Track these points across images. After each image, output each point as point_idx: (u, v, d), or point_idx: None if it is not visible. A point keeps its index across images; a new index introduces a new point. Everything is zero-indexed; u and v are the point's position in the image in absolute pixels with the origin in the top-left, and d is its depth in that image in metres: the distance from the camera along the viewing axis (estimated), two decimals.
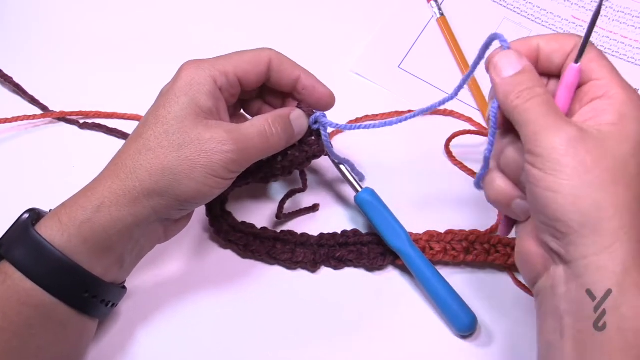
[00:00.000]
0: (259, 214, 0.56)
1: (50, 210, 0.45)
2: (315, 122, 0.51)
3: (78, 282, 0.43)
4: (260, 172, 0.52)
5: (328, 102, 0.51)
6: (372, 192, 0.54)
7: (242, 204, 0.56)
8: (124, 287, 0.48)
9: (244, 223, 0.54)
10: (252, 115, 0.53)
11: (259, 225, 0.55)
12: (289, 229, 0.55)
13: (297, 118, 0.50)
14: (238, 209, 0.55)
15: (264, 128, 0.47)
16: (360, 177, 0.57)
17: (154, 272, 0.53)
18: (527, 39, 0.44)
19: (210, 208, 0.53)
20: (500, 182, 0.43)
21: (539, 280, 0.41)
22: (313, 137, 0.52)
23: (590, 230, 0.37)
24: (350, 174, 0.54)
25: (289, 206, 0.56)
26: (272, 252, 0.53)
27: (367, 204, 0.53)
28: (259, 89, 0.52)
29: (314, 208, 0.57)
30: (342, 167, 0.54)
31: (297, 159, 0.52)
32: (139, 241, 0.46)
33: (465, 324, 0.51)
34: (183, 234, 0.54)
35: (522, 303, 0.54)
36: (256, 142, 0.46)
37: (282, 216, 0.55)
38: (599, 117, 0.39)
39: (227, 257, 0.54)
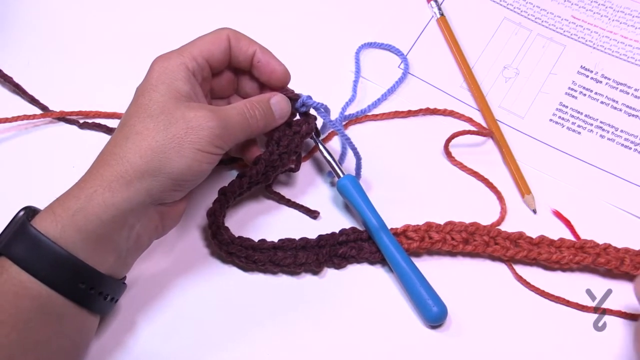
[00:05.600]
0: (254, 231, 0.55)
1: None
2: (303, 104, 0.54)
3: (73, 273, 0.43)
4: (262, 169, 0.52)
5: (281, 77, 0.53)
6: (353, 179, 0.55)
7: (237, 222, 0.56)
8: (124, 283, 0.48)
9: (241, 237, 0.54)
10: None
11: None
12: (287, 236, 0.54)
13: (278, 102, 0.52)
14: (233, 227, 0.54)
15: (243, 110, 0.49)
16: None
17: (155, 292, 0.52)
18: None
19: (213, 220, 0.53)
20: None
21: None
22: (299, 117, 0.54)
23: None
24: (334, 160, 0.56)
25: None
26: (274, 259, 0.53)
27: (346, 190, 0.54)
28: (236, 84, 0.54)
29: (314, 213, 0.56)
30: (326, 153, 0.56)
31: (292, 142, 0.53)
32: (135, 228, 0.46)
33: (432, 314, 0.51)
34: (182, 250, 0.54)
35: (516, 297, 0.54)
36: (236, 121, 0.48)
37: (272, 192, 0.56)
38: None
39: (230, 272, 0.54)
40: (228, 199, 0.53)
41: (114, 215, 0.44)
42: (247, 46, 0.52)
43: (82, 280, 0.43)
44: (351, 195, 0.54)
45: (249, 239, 0.54)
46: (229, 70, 0.54)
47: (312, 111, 0.55)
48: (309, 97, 0.54)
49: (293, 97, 0.53)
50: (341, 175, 0.55)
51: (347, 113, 0.61)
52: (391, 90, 0.63)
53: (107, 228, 0.44)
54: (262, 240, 0.54)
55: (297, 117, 0.55)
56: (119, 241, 0.45)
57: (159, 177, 0.45)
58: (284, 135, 0.53)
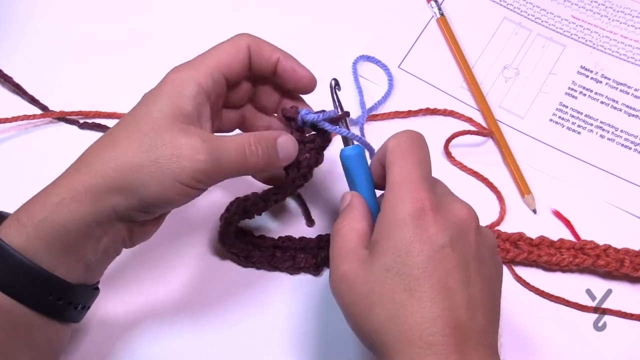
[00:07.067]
0: (254, 226, 0.55)
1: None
2: (303, 122, 0.49)
3: (39, 284, 0.40)
4: (287, 195, 0.51)
5: (308, 84, 0.49)
6: (361, 151, 0.49)
7: None
8: (97, 289, 0.46)
9: (242, 231, 0.53)
10: (242, 124, 0.52)
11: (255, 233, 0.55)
12: (286, 234, 0.55)
13: (285, 142, 0.47)
14: None
15: (244, 145, 0.44)
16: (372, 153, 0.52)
17: (153, 287, 0.53)
18: None
19: (226, 230, 0.51)
20: None
21: None
22: (312, 132, 0.50)
23: None
24: (345, 124, 0.50)
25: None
26: (272, 261, 0.53)
27: (350, 162, 0.48)
28: (252, 94, 0.51)
29: (310, 222, 0.56)
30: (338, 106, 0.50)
31: (310, 159, 0.49)
32: (102, 240, 0.43)
33: None
34: (180, 248, 0.54)
35: (516, 297, 0.54)
36: (232, 157, 0.44)
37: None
38: None
39: (228, 267, 0.54)
40: (249, 216, 0.52)
41: (79, 226, 0.41)
42: (269, 53, 0.47)
43: (50, 291, 0.41)
44: (354, 168, 0.48)
45: (250, 233, 0.54)
46: (247, 81, 0.50)
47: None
48: (308, 112, 0.48)
49: (292, 117, 0.49)
50: (350, 144, 0.49)
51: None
52: (391, 91, 0.63)
53: (73, 238, 0.41)
54: (262, 236, 0.54)
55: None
56: (86, 252, 0.42)
57: (126, 196, 0.41)
58: (300, 153, 0.49)
